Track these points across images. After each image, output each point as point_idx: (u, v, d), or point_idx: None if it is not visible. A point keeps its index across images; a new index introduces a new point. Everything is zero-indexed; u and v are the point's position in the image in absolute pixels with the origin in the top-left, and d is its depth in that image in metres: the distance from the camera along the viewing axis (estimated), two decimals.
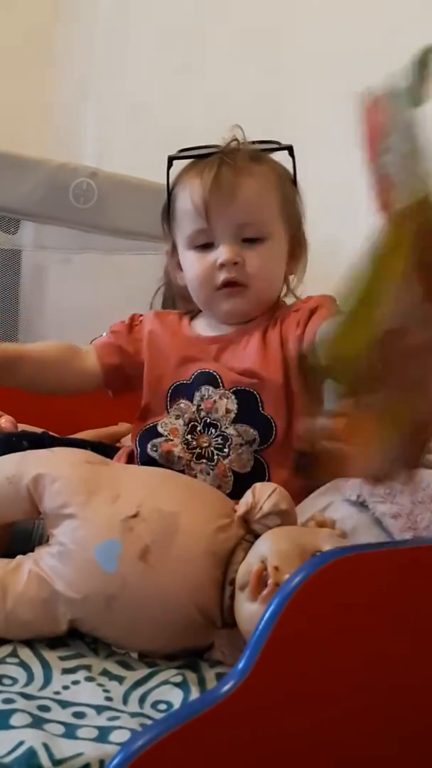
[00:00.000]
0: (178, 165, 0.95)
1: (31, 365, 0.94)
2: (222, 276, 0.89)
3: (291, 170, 0.95)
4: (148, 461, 0.90)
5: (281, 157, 0.96)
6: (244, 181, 0.89)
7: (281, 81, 1.72)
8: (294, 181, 0.95)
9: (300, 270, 0.97)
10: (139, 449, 0.91)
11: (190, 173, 0.92)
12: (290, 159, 0.95)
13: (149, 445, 0.90)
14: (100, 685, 0.65)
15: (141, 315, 1.00)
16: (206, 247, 0.91)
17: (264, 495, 0.72)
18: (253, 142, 0.92)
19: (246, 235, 0.90)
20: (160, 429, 0.91)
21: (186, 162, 0.95)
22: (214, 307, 0.93)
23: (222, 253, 0.89)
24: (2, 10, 1.97)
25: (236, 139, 0.91)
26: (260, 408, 0.88)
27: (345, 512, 0.80)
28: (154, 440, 0.90)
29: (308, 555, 0.64)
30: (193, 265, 0.92)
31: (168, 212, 0.96)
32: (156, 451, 0.89)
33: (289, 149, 0.94)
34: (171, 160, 0.94)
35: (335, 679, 0.59)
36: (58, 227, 1.47)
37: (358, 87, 0.53)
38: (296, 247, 0.96)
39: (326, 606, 0.58)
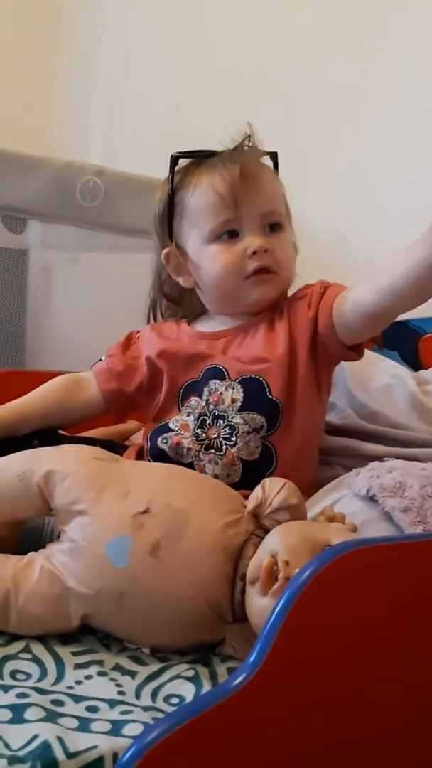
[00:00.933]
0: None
1: (34, 420, 0.95)
2: (254, 264, 0.90)
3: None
4: (158, 453, 0.90)
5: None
6: (263, 174, 0.92)
7: (283, 81, 1.73)
8: None
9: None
10: (149, 443, 0.92)
11: (198, 171, 0.92)
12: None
13: (159, 439, 0.91)
14: (112, 679, 0.66)
15: (138, 332, 1.00)
16: (230, 238, 0.91)
17: (274, 490, 0.72)
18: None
19: (270, 223, 0.91)
20: (171, 425, 0.91)
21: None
22: (242, 297, 0.92)
23: (252, 241, 0.90)
24: (6, 9, 1.97)
25: (249, 136, 0.93)
26: (268, 393, 0.88)
27: (355, 507, 0.80)
28: (165, 434, 0.91)
29: (318, 549, 0.64)
30: (216, 257, 0.91)
31: (170, 215, 0.95)
32: (166, 443, 0.90)
33: (273, 155, 0.96)
34: (176, 159, 0.94)
35: (345, 672, 0.59)
36: (65, 226, 1.48)
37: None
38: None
39: (336, 599, 0.58)
